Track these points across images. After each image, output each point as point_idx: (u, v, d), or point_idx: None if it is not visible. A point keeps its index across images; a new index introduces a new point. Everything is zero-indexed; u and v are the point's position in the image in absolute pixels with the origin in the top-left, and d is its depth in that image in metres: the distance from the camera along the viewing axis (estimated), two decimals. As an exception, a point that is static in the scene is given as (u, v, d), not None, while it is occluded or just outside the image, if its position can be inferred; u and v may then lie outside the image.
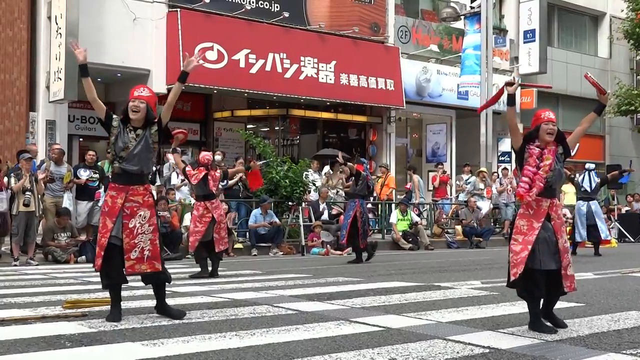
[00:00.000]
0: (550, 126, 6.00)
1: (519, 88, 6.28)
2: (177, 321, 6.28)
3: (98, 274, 6.41)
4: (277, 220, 16.47)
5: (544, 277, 5.92)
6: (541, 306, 6.08)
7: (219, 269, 10.88)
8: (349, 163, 14.50)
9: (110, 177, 6.70)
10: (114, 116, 6.44)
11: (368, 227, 13.94)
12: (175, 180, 16.36)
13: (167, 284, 6.62)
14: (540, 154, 6.03)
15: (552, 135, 6.01)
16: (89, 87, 6.43)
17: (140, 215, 6.34)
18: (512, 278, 5.91)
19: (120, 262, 6.31)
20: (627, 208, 24.98)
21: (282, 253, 16.19)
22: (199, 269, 10.75)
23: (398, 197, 22.38)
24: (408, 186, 21.40)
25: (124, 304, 6.75)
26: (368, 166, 14.44)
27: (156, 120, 6.46)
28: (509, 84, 6.21)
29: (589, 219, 15.66)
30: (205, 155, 11.17)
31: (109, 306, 6.43)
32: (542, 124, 6.01)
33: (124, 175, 6.33)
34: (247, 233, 16.59)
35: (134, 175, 6.34)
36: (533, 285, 5.92)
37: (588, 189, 15.80)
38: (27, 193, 12.90)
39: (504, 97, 6.43)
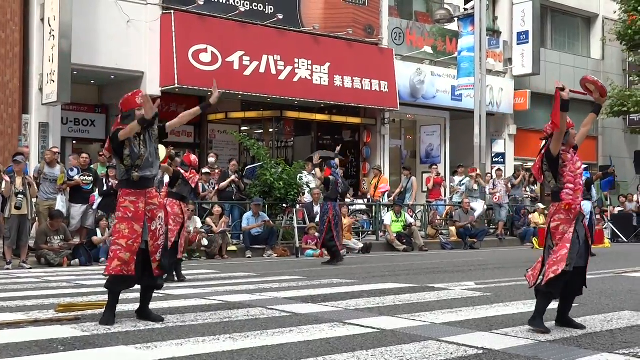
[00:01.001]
0: (575, 131, 6.25)
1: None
2: (170, 324, 6.28)
3: (107, 276, 6.39)
4: (269, 220, 16.44)
5: (571, 276, 6.04)
6: (557, 310, 6.25)
7: (207, 271, 10.79)
8: (317, 169, 14.75)
9: (119, 184, 6.66)
10: (119, 133, 6.37)
11: (341, 229, 14.06)
12: (167, 180, 16.29)
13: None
14: (572, 158, 6.20)
15: (575, 140, 6.25)
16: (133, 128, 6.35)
17: (159, 217, 6.51)
18: (553, 276, 5.96)
19: (140, 267, 6.36)
20: (620, 208, 25.03)
21: (276, 255, 16.17)
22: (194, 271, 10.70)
23: (389, 199, 22.42)
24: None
25: (117, 308, 6.73)
26: (338, 170, 14.37)
27: (156, 122, 6.52)
28: (561, 89, 6.22)
29: None
30: (195, 158, 11.30)
31: (103, 309, 6.42)
32: (570, 129, 6.18)
33: (141, 181, 6.43)
34: (241, 235, 16.56)
35: (150, 179, 6.50)
36: (557, 286, 6.02)
37: None
38: (20, 196, 12.86)
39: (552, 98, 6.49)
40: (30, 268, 12.87)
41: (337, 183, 14.03)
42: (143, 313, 6.54)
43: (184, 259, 12.74)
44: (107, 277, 6.42)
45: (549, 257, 6.08)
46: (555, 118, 6.14)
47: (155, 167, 6.57)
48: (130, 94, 6.57)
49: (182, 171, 10.88)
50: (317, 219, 17.80)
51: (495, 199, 21.40)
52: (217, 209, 16.10)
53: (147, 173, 6.43)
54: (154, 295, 6.68)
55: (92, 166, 15.43)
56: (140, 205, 6.38)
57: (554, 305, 6.55)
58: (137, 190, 6.41)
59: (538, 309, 6.07)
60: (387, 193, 21.54)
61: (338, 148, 15.23)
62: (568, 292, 6.16)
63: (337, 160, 14.72)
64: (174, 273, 10.45)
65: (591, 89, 6.50)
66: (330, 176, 14.05)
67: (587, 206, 16.10)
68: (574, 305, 6.36)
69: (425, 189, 22.75)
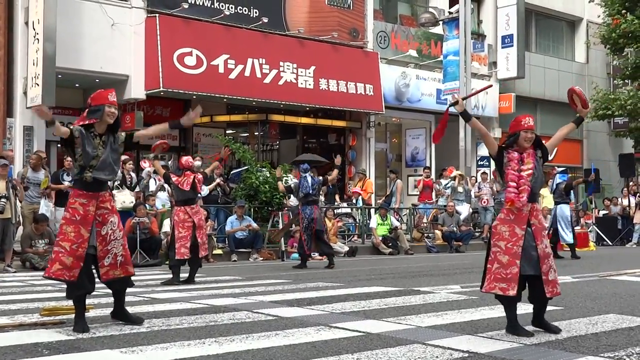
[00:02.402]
0: (529, 134, 6.08)
1: (464, 100, 6.44)
2: (156, 328, 6.25)
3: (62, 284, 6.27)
4: (253, 224, 16.42)
5: (522, 282, 5.96)
6: (532, 316, 6.15)
7: (196, 275, 10.82)
8: (279, 183, 14.98)
9: (73, 183, 6.58)
10: (73, 127, 6.25)
11: (313, 234, 13.87)
12: (153, 187, 16.30)
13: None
14: (521, 158, 6.08)
15: (530, 142, 6.09)
16: (58, 130, 6.20)
17: (111, 221, 6.30)
18: (500, 293, 5.93)
19: (91, 271, 6.25)
20: (605, 212, 25.18)
21: (262, 258, 16.16)
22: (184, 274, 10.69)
23: (378, 201, 22.45)
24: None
25: (101, 311, 6.71)
26: (308, 174, 14.06)
27: (122, 131, 6.51)
28: (453, 104, 6.37)
29: (554, 222, 15.94)
30: (187, 159, 11.17)
31: (86, 313, 6.36)
32: (521, 131, 6.07)
33: (94, 184, 6.24)
34: (226, 239, 16.53)
35: (104, 182, 6.33)
36: (505, 299, 5.98)
37: (550, 192, 16.33)
38: (2, 200, 12.77)
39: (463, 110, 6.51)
40: (15, 272, 12.80)
41: (301, 186, 13.89)
42: (119, 315, 6.45)
43: (207, 261, 12.98)
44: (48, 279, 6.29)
45: (491, 262, 6.03)
46: (439, 132, 6.65)
47: (113, 172, 6.39)
48: (103, 90, 6.43)
49: (174, 176, 10.86)
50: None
51: (483, 202, 21.47)
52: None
53: (101, 175, 6.24)
54: (139, 298, 6.65)
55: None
56: (90, 209, 6.19)
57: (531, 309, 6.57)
58: (90, 193, 6.23)
59: (507, 316, 6.05)
60: (372, 196, 21.58)
61: (337, 160, 14.96)
62: (529, 297, 6.13)
63: (330, 177, 14.61)
64: (179, 274, 10.53)
65: (576, 101, 6.51)
66: (292, 183, 14.02)
67: (565, 210, 16.20)
68: (558, 308, 6.39)
69: (414, 191, 22.78)
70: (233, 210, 16.84)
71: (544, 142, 6.27)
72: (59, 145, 19.67)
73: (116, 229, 6.33)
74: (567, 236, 16.11)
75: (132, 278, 6.56)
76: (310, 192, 13.84)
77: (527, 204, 6.01)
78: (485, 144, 6.30)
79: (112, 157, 6.31)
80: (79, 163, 6.23)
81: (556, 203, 16.29)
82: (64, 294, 6.39)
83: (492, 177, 23.66)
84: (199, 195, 11.03)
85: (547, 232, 15.45)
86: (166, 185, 14.33)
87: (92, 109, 6.29)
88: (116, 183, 14.56)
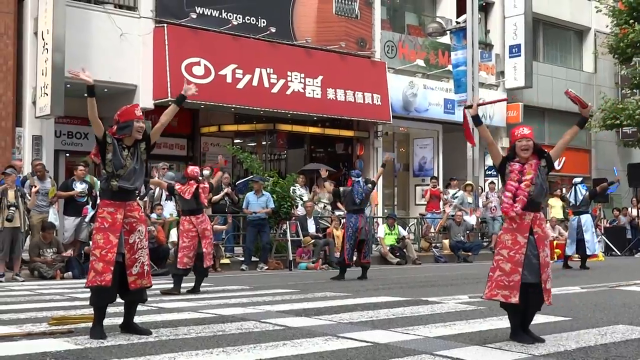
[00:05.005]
0: (523, 143, 6.12)
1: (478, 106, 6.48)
2: (164, 337, 6.25)
3: (89, 290, 6.32)
4: (271, 203, 16.30)
5: (524, 290, 5.98)
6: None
7: (204, 284, 10.80)
8: (326, 183, 14.46)
9: (100, 194, 6.68)
10: (107, 133, 6.45)
11: (356, 243, 13.29)
12: (157, 195, 16.30)
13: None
14: (522, 169, 6.12)
15: (527, 151, 6.13)
16: (92, 106, 6.43)
17: (138, 230, 6.41)
18: (503, 300, 6.00)
19: (117, 279, 6.28)
20: (614, 221, 25.09)
21: (266, 267, 16.14)
22: (190, 284, 10.68)
23: (385, 211, 22.44)
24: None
25: (110, 321, 6.71)
26: (360, 180, 13.44)
27: (145, 137, 6.54)
28: (468, 107, 6.41)
29: (579, 233, 15.76)
30: (193, 169, 11.10)
31: (92, 323, 6.35)
32: (516, 142, 6.16)
33: (120, 193, 6.36)
34: (242, 249, 16.50)
35: (130, 192, 6.44)
36: (509, 307, 6.02)
37: (574, 202, 15.94)
38: (11, 208, 12.83)
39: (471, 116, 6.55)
40: (24, 281, 12.83)
41: (352, 193, 13.23)
42: (129, 327, 6.46)
43: (215, 270, 12.90)
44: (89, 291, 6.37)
45: (495, 270, 6.07)
46: (468, 135, 6.51)
47: (139, 182, 6.52)
48: (129, 105, 6.61)
49: (177, 185, 10.84)
50: (311, 232, 17.84)
51: (492, 211, 21.41)
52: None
53: (127, 185, 6.35)
54: (147, 308, 6.66)
55: (87, 178, 15.32)
56: (118, 217, 6.30)
57: (547, 319, 6.57)
58: (117, 202, 6.34)
59: (511, 323, 6.13)
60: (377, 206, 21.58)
61: (323, 172, 14.82)
62: (534, 304, 6.15)
63: (375, 178, 14.44)
64: (179, 285, 10.47)
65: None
66: (342, 188, 13.68)
67: (587, 219, 16.02)
68: (567, 319, 6.37)
69: (422, 201, 22.73)
70: (242, 220, 16.82)
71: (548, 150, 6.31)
72: (67, 154, 19.78)
73: (143, 238, 6.45)
74: (596, 246, 16.19)
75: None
76: (357, 200, 13.23)
77: (528, 213, 6.07)
78: (490, 153, 6.34)
79: (138, 167, 6.44)
80: (107, 169, 6.36)
81: (580, 213, 15.99)
82: (73, 303, 6.41)
83: (500, 186, 23.65)
84: (204, 205, 10.97)
85: (554, 241, 15.52)
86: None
87: (121, 125, 6.44)
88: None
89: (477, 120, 6.46)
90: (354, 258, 13.42)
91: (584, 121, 6.42)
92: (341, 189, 13.68)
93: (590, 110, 6.66)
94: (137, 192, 6.62)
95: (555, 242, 19.72)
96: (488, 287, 6.11)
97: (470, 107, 6.44)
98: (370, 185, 13.69)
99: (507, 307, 6.09)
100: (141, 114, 6.55)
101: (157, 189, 16.23)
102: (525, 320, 6.15)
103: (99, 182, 15.23)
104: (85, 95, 6.46)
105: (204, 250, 10.59)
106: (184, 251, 10.50)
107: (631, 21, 27.41)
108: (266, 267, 16.06)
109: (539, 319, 6.25)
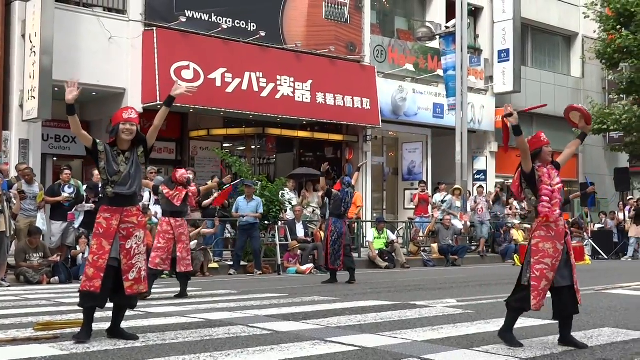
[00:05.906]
0: (550, 149, 6.36)
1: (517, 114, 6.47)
2: (151, 342, 6.23)
3: (78, 293, 6.32)
4: (261, 208, 16.27)
5: (557, 293, 6.12)
6: (559, 332, 6.22)
7: (191, 288, 10.75)
8: (322, 178, 14.36)
9: (98, 200, 6.71)
10: (98, 141, 6.44)
11: (342, 247, 13.41)
12: (146, 199, 16.23)
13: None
14: (549, 174, 6.27)
15: (550, 156, 6.37)
16: (74, 123, 6.35)
17: (136, 236, 6.41)
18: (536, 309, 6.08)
19: (110, 285, 6.27)
20: (600, 225, 25.20)
21: (260, 273, 16.10)
22: (178, 288, 10.63)
23: (374, 215, 22.45)
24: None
25: (97, 326, 6.67)
26: (349, 189, 13.69)
27: (142, 141, 6.53)
28: (507, 115, 6.37)
29: None
30: (183, 173, 11.01)
31: (80, 327, 6.33)
32: (543, 146, 6.33)
33: (117, 198, 6.36)
34: (231, 254, 16.46)
35: (127, 197, 6.41)
36: (527, 302, 6.05)
37: None
38: (-3, 213, 12.73)
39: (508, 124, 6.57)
40: (9, 286, 12.73)
41: (342, 200, 13.52)
42: (115, 332, 6.43)
43: (203, 275, 12.78)
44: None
45: (542, 280, 6.06)
46: (505, 140, 6.72)
47: (137, 187, 6.48)
48: (122, 108, 6.61)
49: (165, 189, 10.79)
50: (300, 236, 17.83)
51: (480, 211, 21.45)
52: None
53: (123, 190, 6.34)
54: (134, 313, 6.63)
55: (72, 182, 15.22)
56: (113, 223, 6.31)
57: (533, 322, 6.57)
58: (113, 208, 6.36)
59: (507, 321, 6.17)
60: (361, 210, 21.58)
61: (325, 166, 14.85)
62: (560, 311, 6.17)
63: (353, 180, 14.48)
64: (151, 286, 10.34)
65: (575, 119, 6.79)
66: (335, 191, 13.75)
67: None
68: (553, 322, 6.37)
69: (410, 205, 22.72)
70: (231, 223, 16.79)
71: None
72: (54, 158, 19.70)
73: (141, 244, 6.43)
74: None
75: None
76: (343, 209, 13.55)
77: (560, 218, 6.21)
78: (523, 160, 6.24)
79: (133, 172, 6.41)
80: (102, 177, 6.42)
81: None
82: (59, 309, 6.38)
83: (488, 191, 23.72)
84: (190, 208, 10.95)
85: None
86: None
87: (111, 129, 6.49)
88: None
89: (517, 130, 6.28)
90: (337, 262, 13.50)
91: (585, 136, 6.85)
92: (333, 191, 13.73)
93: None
94: (136, 196, 6.55)
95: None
96: (534, 297, 6.04)
97: (510, 115, 6.36)
98: (351, 188, 13.99)
99: (519, 310, 6.16)
100: (132, 116, 6.48)
101: (146, 192, 16.18)
102: (565, 325, 6.17)
103: (83, 186, 15.25)
104: (70, 115, 6.33)
105: (178, 254, 10.50)
106: (158, 252, 10.43)
107: (618, 27, 27.58)
108: (259, 272, 15.98)
109: (525, 322, 6.26)
